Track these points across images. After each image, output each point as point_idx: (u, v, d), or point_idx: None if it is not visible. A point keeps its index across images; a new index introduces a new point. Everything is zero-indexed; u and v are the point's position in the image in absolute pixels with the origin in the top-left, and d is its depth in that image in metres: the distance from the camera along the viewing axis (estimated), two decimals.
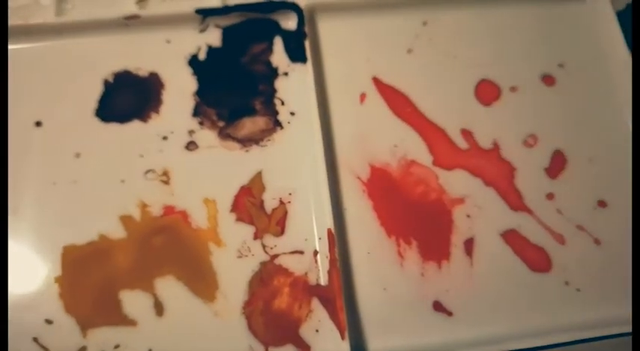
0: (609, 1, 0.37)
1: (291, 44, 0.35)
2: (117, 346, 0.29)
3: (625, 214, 0.33)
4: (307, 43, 0.34)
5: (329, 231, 0.30)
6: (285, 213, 0.32)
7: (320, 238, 0.31)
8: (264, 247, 0.31)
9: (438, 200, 0.33)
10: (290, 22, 0.36)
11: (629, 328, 0.30)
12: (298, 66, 0.35)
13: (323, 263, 0.31)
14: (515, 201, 0.33)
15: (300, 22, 0.35)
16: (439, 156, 0.33)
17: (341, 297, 0.29)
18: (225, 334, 0.29)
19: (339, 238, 0.31)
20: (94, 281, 0.30)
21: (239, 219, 0.32)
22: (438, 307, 0.31)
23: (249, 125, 0.33)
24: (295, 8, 0.35)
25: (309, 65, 0.34)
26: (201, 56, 0.35)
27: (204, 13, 0.35)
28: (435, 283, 0.31)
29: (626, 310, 0.31)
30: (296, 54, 0.35)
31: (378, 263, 0.31)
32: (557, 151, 0.34)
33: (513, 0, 0.37)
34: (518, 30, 0.37)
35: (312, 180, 0.32)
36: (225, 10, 0.35)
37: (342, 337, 0.29)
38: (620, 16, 0.38)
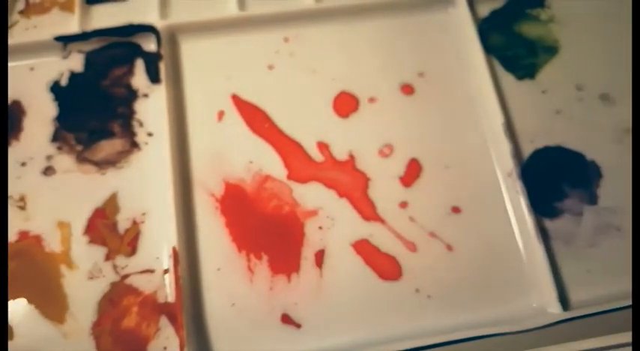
0: (469, 11, 0.37)
1: (151, 66, 0.36)
2: None
3: (477, 218, 0.33)
4: (162, 65, 0.35)
5: (173, 249, 0.31)
6: (138, 233, 0.32)
7: (170, 257, 0.31)
8: (115, 267, 0.32)
9: (290, 213, 0.33)
10: (152, 45, 0.36)
11: (479, 332, 0.30)
12: (157, 87, 0.35)
13: (170, 281, 0.31)
14: (367, 211, 0.33)
15: (159, 44, 0.36)
16: (293, 170, 0.34)
17: (181, 314, 0.30)
18: None
19: (189, 256, 0.32)
20: None
21: (92, 241, 0.32)
22: (286, 319, 0.31)
23: (107, 148, 0.34)
24: (153, 30, 0.36)
25: (163, 86, 0.35)
26: (63, 82, 0.36)
27: (64, 40, 0.36)
28: (283, 296, 0.31)
29: (476, 314, 0.31)
30: (154, 75, 0.35)
31: (228, 279, 0.32)
32: (413, 159, 0.35)
33: (374, 12, 0.38)
34: (378, 41, 0.37)
35: (164, 199, 0.32)
36: (84, 36, 0.36)
37: None
38: (482, 25, 0.38)
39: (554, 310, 0.31)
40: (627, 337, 0.30)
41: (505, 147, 0.34)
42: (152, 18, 0.36)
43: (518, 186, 0.33)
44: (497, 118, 0.35)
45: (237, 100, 0.35)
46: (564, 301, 0.32)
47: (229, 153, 0.34)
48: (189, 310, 0.31)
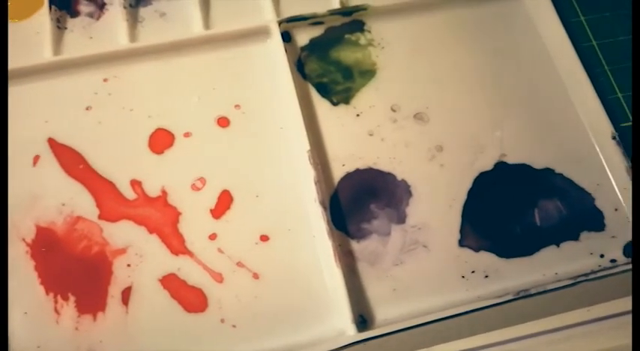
0: (281, 42, 0.38)
1: None
2: None
3: (285, 246, 0.34)
4: None
5: None
6: None
7: None
8: None
9: (100, 253, 0.34)
10: None
11: None
12: None
13: None
14: (176, 245, 0.34)
15: None
16: (105, 209, 0.35)
17: None
18: None
19: None
20: None
21: None
22: None
23: None
24: None
25: None
26: None
27: None
28: (88, 335, 0.32)
29: (280, 340, 0.32)
30: None
31: (34, 322, 0.32)
32: (225, 190, 0.35)
33: (191, 48, 0.39)
34: (196, 76, 0.38)
35: None
36: None
37: None
38: (301, 53, 0.39)
39: (350, 332, 0.32)
40: None
41: (312, 174, 0.35)
42: None
43: (320, 211, 0.34)
44: (306, 146, 0.36)
45: (53, 144, 0.36)
46: (366, 322, 0.33)
47: (43, 197, 0.35)
48: None
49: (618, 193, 0.36)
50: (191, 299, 0.33)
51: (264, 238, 0.34)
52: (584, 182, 0.37)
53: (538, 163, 0.37)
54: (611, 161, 0.37)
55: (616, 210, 0.36)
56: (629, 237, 0.36)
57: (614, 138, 0.37)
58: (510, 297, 0.33)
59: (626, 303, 0.33)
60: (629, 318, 0.33)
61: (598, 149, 0.37)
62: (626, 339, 0.32)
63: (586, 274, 0.33)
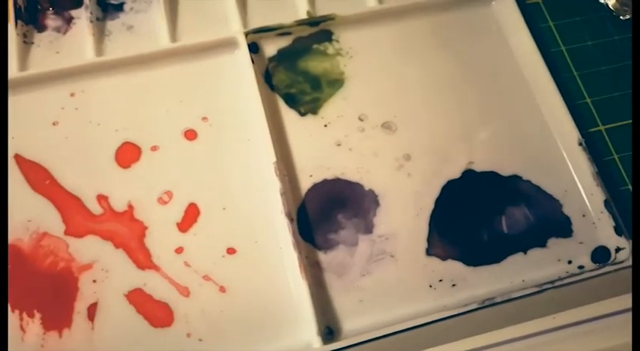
0: (248, 53, 0.38)
1: None
2: None
3: (252, 258, 0.34)
4: None
5: None
6: None
7: None
8: None
9: (66, 269, 0.34)
10: None
11: None
12: None
13: None
14: (143, 260, 0.34)
15: None
16: (71, 225, 0.35)
17: None
18: None
19: None
20: None
21: None
22: None
23: None
24: None
25: None
26: None
27: None
28: None
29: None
30: None
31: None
32: (192, 204, 0.35)
33: (158, 61, 0.39)
34: (164, 89, 0.38)
35: None
36: None
37: None
38: (269, 64, 0.39)
39: (316, 344, 0.32)
40: None
41: (279, 186, 0.35)
42: None
43: (287, 223, 0.34)
44: (272, 158, 0.35)
45: (19, 160, 0.36)
46: (333, 333, 0.33)
47: (9, 213, 0.35)
48: None
49: (585, 199, 0.36)
50: (157, 314, 0.33)
51: (231, 251, 0.34)
52: (552, 189, 0.37)
53: (506, 171, 0.37)
54: (578, 167, 0.37)
55: (583, 216, 0.36)
56: (596, 243, 0.36)
57: (580, 144, 0.37)
58: (475, 306, 0.33)
59: (594, 309, 0.33)
60: (596, 324, 0.33)
61: (565, 155, 0.38)
62: (594, 345, 0.32)
63: (552, 281, 0.33)
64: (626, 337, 0.33)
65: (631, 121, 0.40)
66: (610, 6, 0.43)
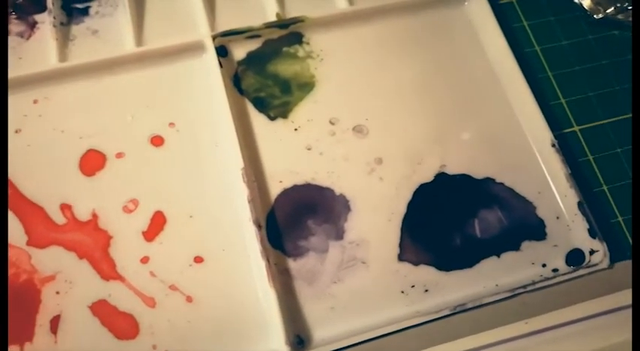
0: (216, 57, 0.38)
1: None
2: None
3: (220, 267, 0.34)
4: None
5: None
6: None
7: None
8: None
9: (28, 281, 0.33)
10: None
11: None
12: None
13: None
14: (107, 270, 0.33)
15: None
16: (34, 235, 0.34)
17: None
18: None
19: None
20: None
21: None
22: None
23: None
24: None
25: None
26: None
27: None
28: None
29: None
30: None
31: None
32: (158, 212, 0.35)
33: (123, 66, 0.38)
34: (129, 95, 0.38)
35: None
36: None
37: None
38: (238, 68, 0.39)
39: None
40: None
41: (246, 193, 0.34)
42: None
43: (255, 230, 0.33)
44: (240, 164, 0.35)
45: None
46: (303, 342, 0.32)
47: None
48: None
49: (559, 201, 0.36)
50: (122, 326, 0.32)
51: (199, 259, 0.34)
52: (525, 191, 0.36)
53: (478, 173, 0.37)
54: (551, 169, 0.36)
55: (557, 218, 0.36)
56: (570, 245, 0.35)
57: (553, 145, 0.36)
58: (447, 312, 0.32)
59: (567, 313, 0.33)
60: (570, 329, 0.33)
61: (538, 157, 0.37)
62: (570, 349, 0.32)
63: (524, 286, 0.33)
64: (602, 342, 0.32)
65: (606, 121, 0.39)
66: (584, 5, 0.42)
